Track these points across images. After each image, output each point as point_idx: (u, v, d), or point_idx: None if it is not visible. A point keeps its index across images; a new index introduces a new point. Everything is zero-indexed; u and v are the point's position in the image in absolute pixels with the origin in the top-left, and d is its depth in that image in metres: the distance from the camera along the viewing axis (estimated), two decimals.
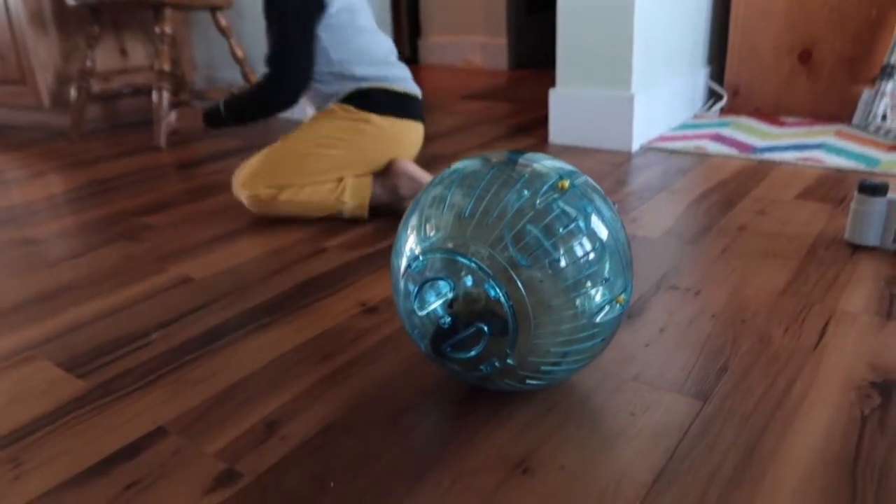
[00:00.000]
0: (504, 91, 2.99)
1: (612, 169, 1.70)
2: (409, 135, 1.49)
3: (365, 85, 1.42)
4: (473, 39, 3.78)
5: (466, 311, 0.71)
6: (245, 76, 2.50)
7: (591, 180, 0.77)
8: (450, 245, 0.71)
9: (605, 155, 1.84)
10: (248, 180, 1.40)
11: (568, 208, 0.71)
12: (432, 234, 0.73)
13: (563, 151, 1.89)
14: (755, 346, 0.88)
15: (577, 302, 0.69)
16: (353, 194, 1.39)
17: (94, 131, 2.51)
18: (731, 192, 1.48)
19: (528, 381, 0.74)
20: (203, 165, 1.94)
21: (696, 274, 1.10)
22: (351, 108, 1.41)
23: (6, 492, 0.68)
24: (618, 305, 0.73)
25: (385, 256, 1.22)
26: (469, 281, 0.70)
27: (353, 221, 1.41)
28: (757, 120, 2.10)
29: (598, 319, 0.71)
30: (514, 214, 0.69)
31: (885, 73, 1.88)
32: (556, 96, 1.96)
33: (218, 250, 1.28)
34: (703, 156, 1.79)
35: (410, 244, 0.74)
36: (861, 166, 1.62)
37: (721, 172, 1.64)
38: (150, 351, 0.93)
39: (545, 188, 0.71)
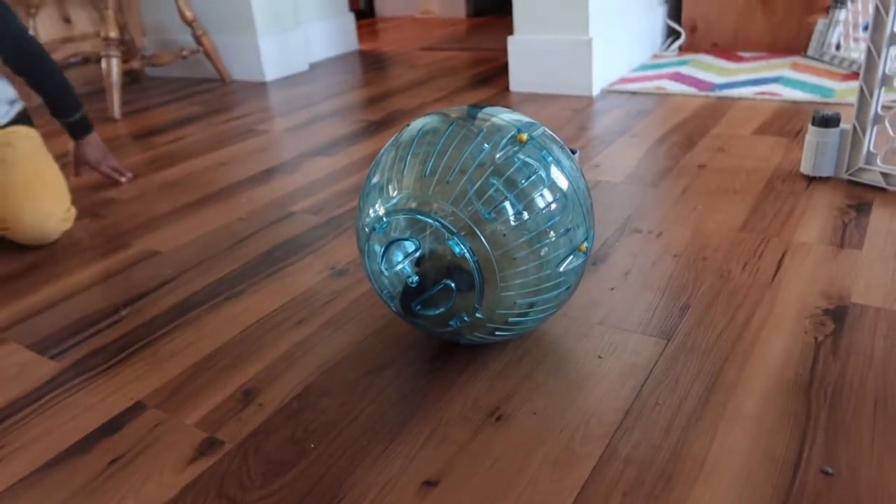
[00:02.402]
0: (463, 40, 2.95)
1: (573, 115, 1.71)
2: None
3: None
4: None
5: (433, 268, 0.72)
6: (197, 39, 2.43)
7: (548, 131, 0.77)
8: (413, 204, 0.71)
9: (567, 100, 1.84)
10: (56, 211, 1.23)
11: (528, 160, 0.71)
12: (395, 194, 0.73)
13: (525, 99, 1.88)
14: (715, 283, 0.90)
15: (542, 253, 0.70)
16: None
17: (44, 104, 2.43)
18: (691, 132, 1.50)
19: (497, 333, 0.76)
20: (161, 134, 1.90)
21: (658, 216, 1.12)
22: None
23: None
24: (581, 254, 0.74)
25: (351, 218, 1.22)
26: (434, 239, 0.71)
27: (322, 184, 1.40)
28: (715, 56, 2.11)
29: (562, 269, 0.72)
30: (475, 169, 0.70)
31: (838, 1, 1.89)
32: (514, 44, 1.94)
33: (182, 221, 1.27)
34: (663, 96, 1.80)
35: (374, 205, 0.75)
36: (816, 97, 1.64)
37: (681, 112, 1.65)
38: (122, 328, 0.93)
39: (504, 142, 0.72)
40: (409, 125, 0.78)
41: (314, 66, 2.64)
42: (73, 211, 1.29)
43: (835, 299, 0.85)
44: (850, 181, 1.17)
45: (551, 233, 0.71)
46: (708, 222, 1.08)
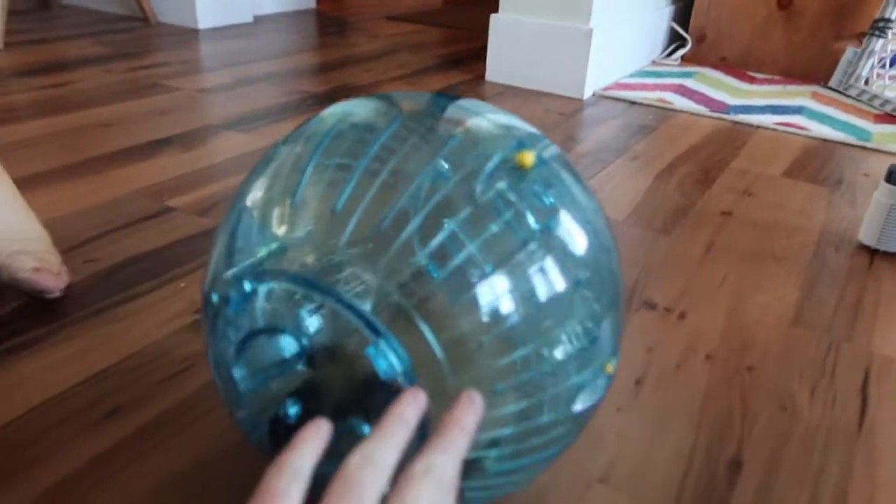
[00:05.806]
0: (437, 14, 2.59)
1: (560, 120, 1.38)
2: None
3: None
4: None
5: (333, 383, 0.39)
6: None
7: (561, 151, 0.45)
8: (308, 260, 0.38)
9: (552, 100, 1.51)
10: None
11: (530, 206, 0.38)
12: (280, 231, 0.39)
13: (502, 92, 1.55)
14: (776, 419, 0.59)
15: (545, 381, 0.38)
16: None
17: None
18: (706, 162, 1.20)
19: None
20: (46, 75, 1.49)
21: (677, 283, 0.80)
22: None
23: None
24: (605, 375, 0.42)
25: None
26: (338, 328, 0.37)
27: (222, 170, 1.04)
28: (723, 73, 1.82)
29: (578, 407, 0.40)
30: (429, 214, 0.37)
31: (877, 28, 1.62)
32: (497, 24, 1.60)
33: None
34: (668, 111, 1.50)
35: (240, 248, 0.40)
36: (851, 139, 1.36)
37: (691, 134, 1.35)
38: None
39: (491, 166, 0.38)
40: (325, 111, 0.44)
41: (260, 20, 2.24)
42: None
43: None
44: None
45: (565, 343, 0.38)
46: (747, 305, 0.77)
